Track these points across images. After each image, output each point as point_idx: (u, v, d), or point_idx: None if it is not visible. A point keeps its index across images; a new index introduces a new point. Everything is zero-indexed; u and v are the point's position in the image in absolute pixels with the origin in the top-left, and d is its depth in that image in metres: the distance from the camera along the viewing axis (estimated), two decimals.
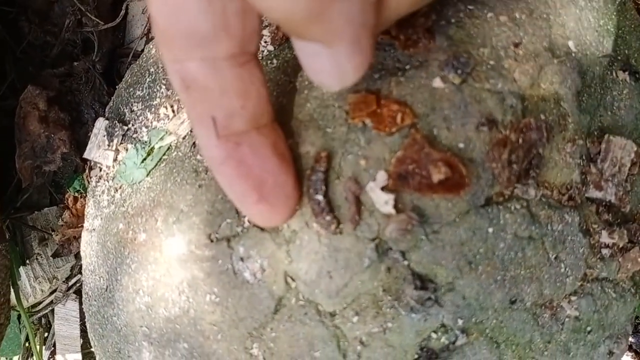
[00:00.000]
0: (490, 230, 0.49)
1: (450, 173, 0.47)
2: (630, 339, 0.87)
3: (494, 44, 0.49)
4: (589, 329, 0.55)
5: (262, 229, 0.52)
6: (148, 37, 0.85)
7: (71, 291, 0.89)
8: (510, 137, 0.47)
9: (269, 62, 0.59)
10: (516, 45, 0.49)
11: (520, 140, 0.48)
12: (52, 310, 0.91)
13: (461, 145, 0.48)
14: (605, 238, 0.53)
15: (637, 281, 0.57)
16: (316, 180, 0.49)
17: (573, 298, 0.53)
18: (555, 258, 0.51)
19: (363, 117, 0.49)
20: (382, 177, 0.48)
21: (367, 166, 0.49)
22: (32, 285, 0.88)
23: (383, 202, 0.48)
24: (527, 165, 0.49)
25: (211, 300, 0.53)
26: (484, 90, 0.48)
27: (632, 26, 0.60)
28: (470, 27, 0.49)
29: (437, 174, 0.46)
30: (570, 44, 0.51)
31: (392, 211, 0.48)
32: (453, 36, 0.49)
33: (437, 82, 0.48)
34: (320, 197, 0.49)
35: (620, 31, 0.57)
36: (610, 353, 0.59)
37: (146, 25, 0.84)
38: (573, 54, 0.51)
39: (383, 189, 0.48)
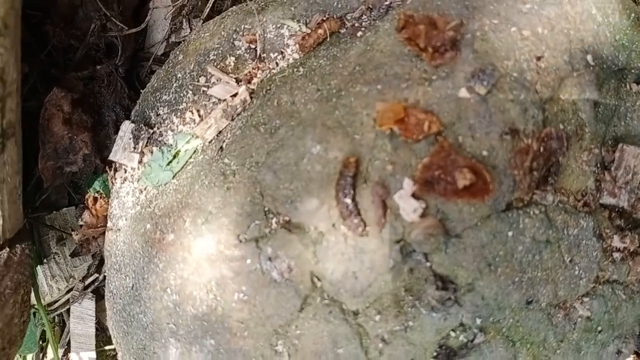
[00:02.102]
0: (510, 234, 0.51)
1: (475, 179, 0.49)
2: None
3: (517, 57, 0.51)
4: (599, 328, 0.57)
5: (290, 231, 0.54)
6: (168, 41, 0.87)
7: (88, 290, 0.90)
8: (533, 145, 0.50)
9: (295, 69, 0.61)
10: (538, 58, 0.51)
11: (542, 149, 0.50)
12: (68, 309, 0.93)
13: (485, 152, 0.50)
14: (617, 242, 0.56)
15: None
16: (345, 185, 0.51)
17: (585, 299, 0.56)
18: (570, 261, 0.54)
19: (391, 124, 0.51)
20: (410, 184, 0.50)
21: (394, 171, 0.51)
22: (49, 283, 0.90)
23: (412, 209, 0.50)
24: (546, 172, 0.52)
25: (239, 299, 0.56)
26: (508, 100, 0.50)
27: None
28: (495, 41, 0.52)
29: (463, 180, 0.49)
30: (589, 57, 0.53)
31: (418, 219, 0.50)
32: (478, 49, 0.51)
33: (463, 93, 0.50)
34: (348, 201, 0.51)
35: (634, 45, 0.60)
36: (619, 352, 0.61)
37: (167, 30, 0.86)
38: (591, 68, 0.53)
39: (413, 195, 0.50)
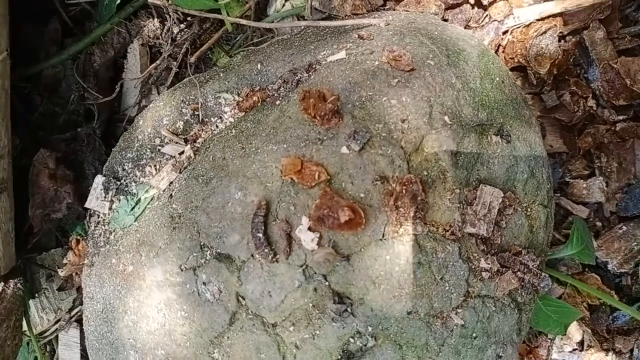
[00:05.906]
0: (387, 257, 0.65)
1: (354, 215, 0.63)
2: None
3: (386, 120, 0.66)
4: (474, 335, 0.71)
5: (220, 260, 0.68)
6: (140, 105, 1.03)
7: (73, 319, 1.04)
8: (396, 188, 0.64)
9: (229, 131, 0.77)
10: (403, 121, 0.66)
11: (404, 191, 0.65)
12: (57, 337, 1.07)
13: (362, 195, 0.65)
14: (483, 264, 0.70)
15: (515, 298, 0.73)
16: (257, 222, 0.66)
17: (459, 310, 0.69)
18: (441, 279, 0.68)
19: (292, 175, 0.66)
20: (306, 220, 0.65)
21: (296, 211, 0.66)
22: (40, 315, 1.04)
23: (310, 240, 0.65)
24: (415, 209, 0.66)
25: (181, 316, 0.70)
26: (378, 155, 0.65)
27: (510, 98, 0.78)
28: (370, 108, 0.67)
29: (344, 216, 0.63)
30: (446, 118, 0.68)
31: (316, 247, 0.65)
32: (357, 115, 0.66)
33: (344, 149, 0.65)
34: (260, 235, 0.65)
35: (496, 104, 0.75)
36: (499, 357, 0.74)
37: (138, 96, 1.02)
38: (448, 126, 0.68)
39: (309, 229, 0.65)
